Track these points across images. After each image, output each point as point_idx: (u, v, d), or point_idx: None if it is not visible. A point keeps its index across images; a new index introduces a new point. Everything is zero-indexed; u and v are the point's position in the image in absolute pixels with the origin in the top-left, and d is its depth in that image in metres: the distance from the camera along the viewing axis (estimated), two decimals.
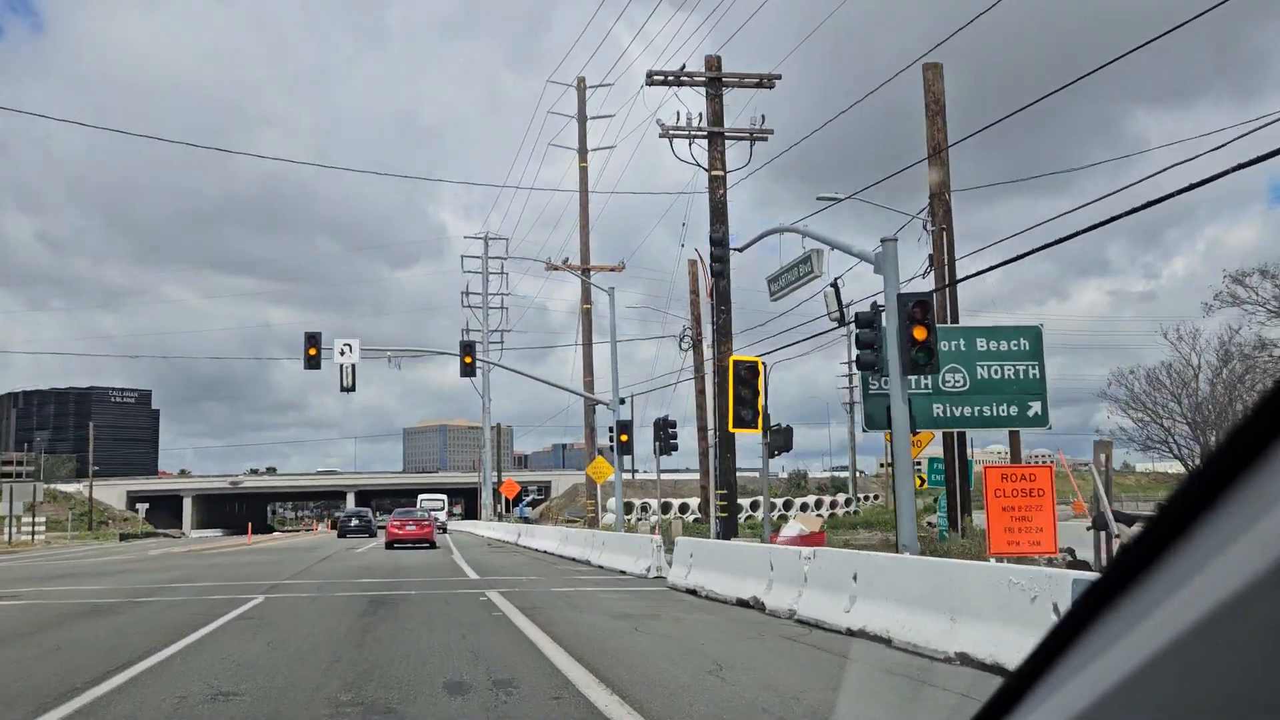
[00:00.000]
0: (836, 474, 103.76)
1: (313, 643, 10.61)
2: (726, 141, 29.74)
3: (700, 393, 46.60)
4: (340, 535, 59.14)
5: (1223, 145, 15.39)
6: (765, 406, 19.83)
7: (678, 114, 29.47)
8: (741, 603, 14.30)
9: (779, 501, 70.01)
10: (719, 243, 25.06)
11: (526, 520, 78.92)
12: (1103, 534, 18.37)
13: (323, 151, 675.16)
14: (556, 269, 47.78)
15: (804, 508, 74.23)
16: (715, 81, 29.75)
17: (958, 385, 18.81)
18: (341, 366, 36.64)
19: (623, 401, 38.87)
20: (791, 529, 19.71)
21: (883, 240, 18.18)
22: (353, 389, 36.93)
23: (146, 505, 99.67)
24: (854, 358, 17.91)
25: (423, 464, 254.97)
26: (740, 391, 19.60)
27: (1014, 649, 8.11)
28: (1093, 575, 8.94)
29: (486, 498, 73.24)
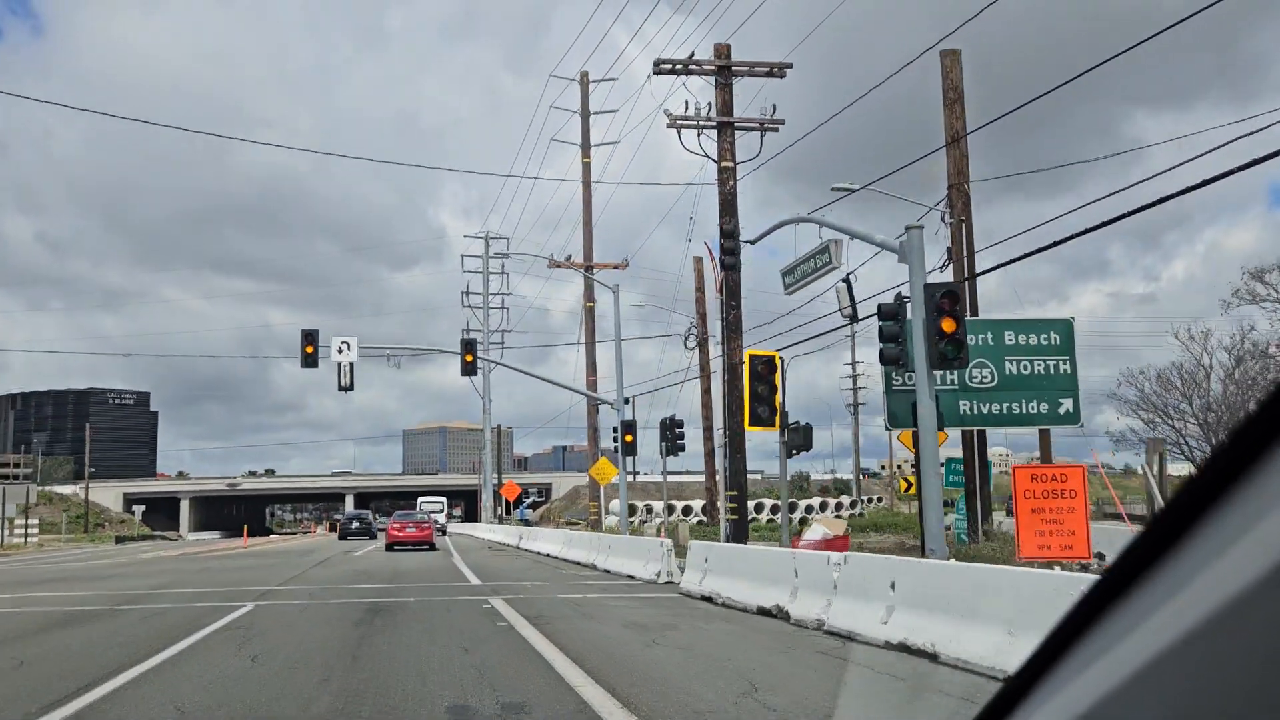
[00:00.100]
0: (839, 477, 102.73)
1: (302, 656, 9.68)
2: (736, 132, 28.87)
3: (706, 392, 45.72)
4: (341, 537, 59.41)
5: (1226, 143, 14.76)
6: (783, 403, 18.91)
7: (686, 103, 28.57)
8: (763, 611, 13.38)
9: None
10: (730, 234, 24.13)
11: (527, 523, 77.96)
12: None
13: (323, 153, 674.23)
14: (559, 266, 46.87)
15: (809, 510, 73.27)
16: (724, 70, 28.86)
17: (985, 381, 17.89)
18: (340, 365, 35.72)
19: (627, 401, 37.97)
20: (815, 532, 18.77)
21: (908, 228, 17.28)
22: (350, 388, 36.02)
23: (143, 507, 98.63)
24: (878, 352, 17.00)
25: (422, 466, 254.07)
26: (757, 388, 18.67)
27: None
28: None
29: (487, 500, 72.29)
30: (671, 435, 32.54)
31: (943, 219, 25.38)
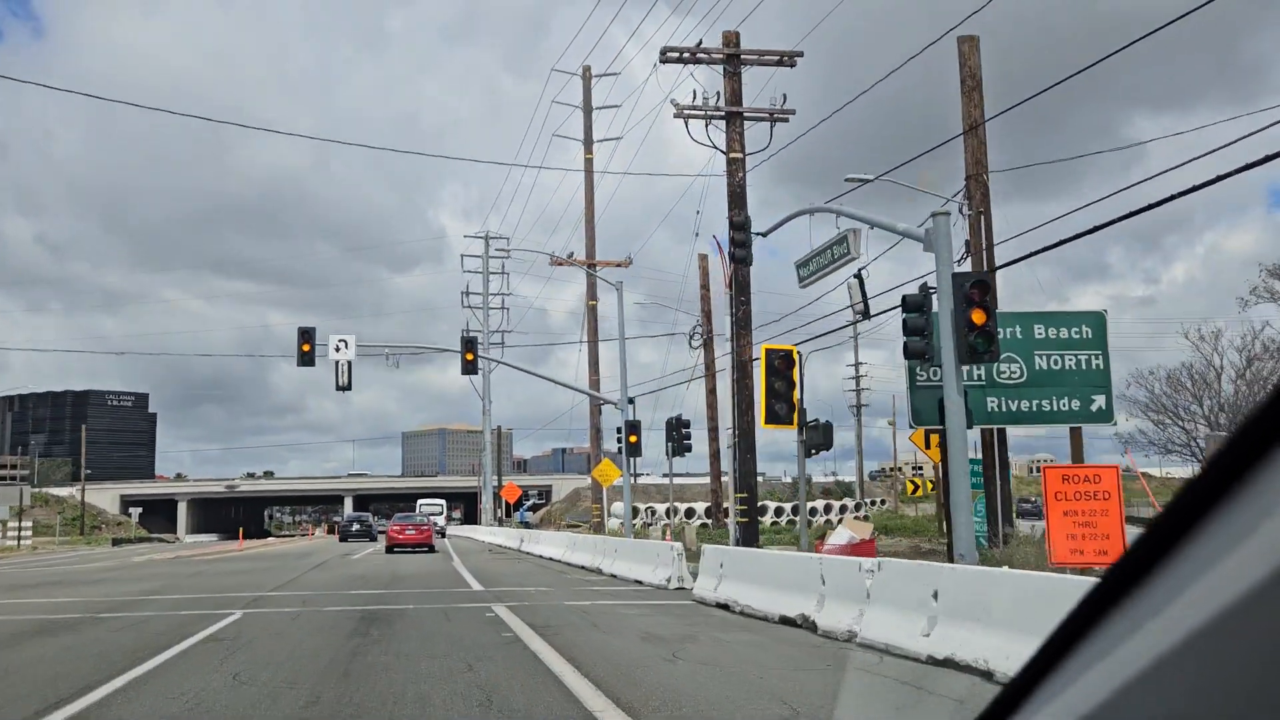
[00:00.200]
0: (840, 479, 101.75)
1: (290, 673, 8.80)
2: (745, 124, 28.00)
3: (711, 392, 44.82)
4: (342, 539, 59.78)
5: (1228, 144, 14.10)
6: (801, 400, 18.03)
7: (694, 93, 27.66)
8: (785, 620, 12.50)
9: (787, 507, 68.20)
10: (741, 226, 23.25)
11: (527, 525, 77.10)
12: None
13: (323, 154, 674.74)
14: (561, 264, 45.98)
15: (812, 512, 72.42)
16: (733, 58, 27.98)
17: (1014, 377, 17.01)
18: (337, 364, 34.83)
19: (631, 401, 37.06)
20: (840, 536, 17.86)
21: (933, 214, 16.41)
22: (348, 388, 35.11)
23: (140, 510, 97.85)
24: (902, 346, 16.12)
25: (422, 468, 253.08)
26: (774, 383, 17.79)
27: None
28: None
29: (487, 502, 71.40)
30: (678, 436, 31.65)
31: (960, 211, 24.50)
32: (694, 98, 27.68)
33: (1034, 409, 16.89)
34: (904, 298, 16.33)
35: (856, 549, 16.26)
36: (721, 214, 26.45)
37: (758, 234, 23.43)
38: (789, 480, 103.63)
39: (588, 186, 49.40)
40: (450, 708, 7.20)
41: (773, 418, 18.00)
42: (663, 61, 28.23)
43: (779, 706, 7.19)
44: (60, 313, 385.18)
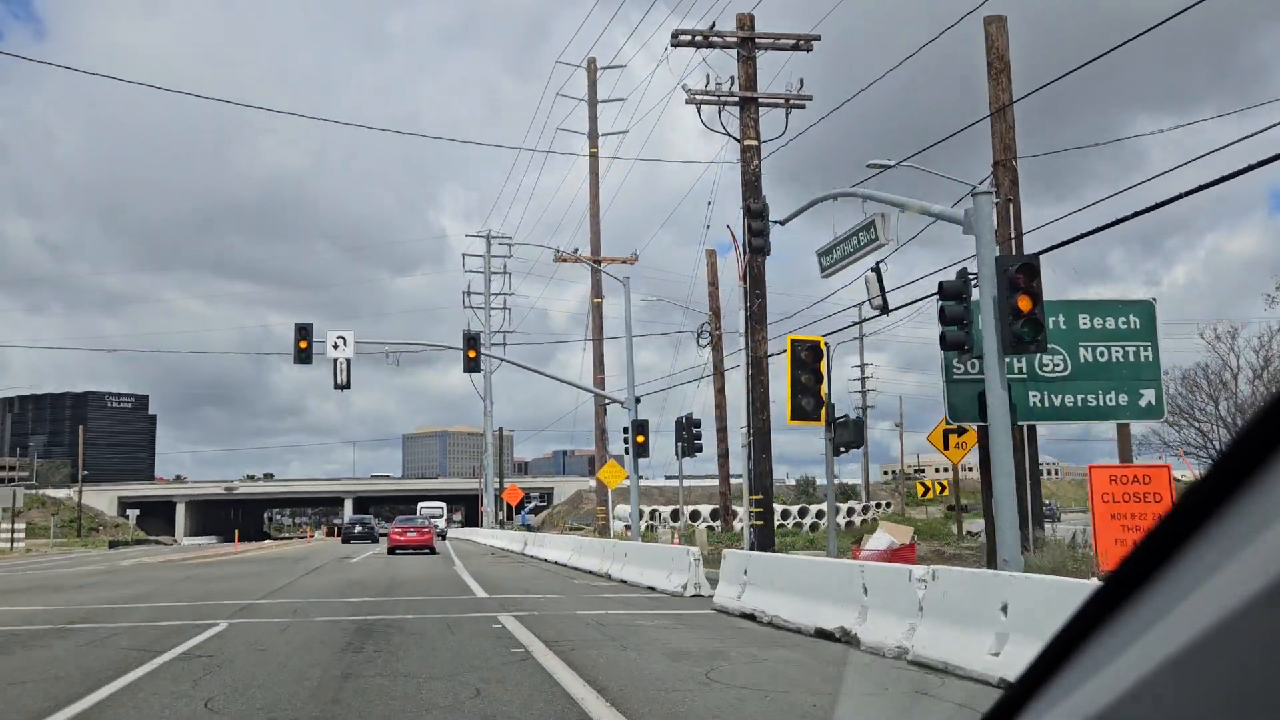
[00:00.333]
0: (843, 481, 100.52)
1: (271, 700, 7.65)
2: (760, 110, 26.87)
3: (719, 391, 43.64)
4: (344, 541, 60.41)
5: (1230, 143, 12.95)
6: (829, 394, 16.88)
7: (707, 77, 26.55)
8: (822, 634, 11.35)
9: (794, 510, 66.97)
10: (758, 214, 22.08)
11: (529, 528, 75.96)
12: None
13: (323, 157, 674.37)
14: (566, 260, 44.88)
15: (819, 515, 71.20)
16: (747, 42, 26.87)
17: (1057, 369, 15.85)
18: (336, 361, 33.68)
19: (638, 401, 35.91)
20: (879, 540, 16.69)
21: (973, 194, 15.31)
22: (347, 386, 33.95)
23: (137, 512, 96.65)
24: (939, 336, 14.98)
25: (422, 470, 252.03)
26: (800, 376, 16.63)
27: None
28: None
29: (488, 504, 70.26)
30: (688, 435, 30.49)
31: (964, 212, 23.34)
32: (707, 82, 26.59)
33: (1079, 404, 15.72)
34: (941, 284, 15.20)
35: (896, 555, 15.11)
36: (728, 212, 25.46)
37: (776, 222, 22.27)
38: (791, 483, 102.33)
39: (593, 181, 48.29)
40: None
41: (799, 413, 16.85)
42: (674, 45, 27.12)
43: None
44: (61, 314, 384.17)
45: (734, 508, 46.52)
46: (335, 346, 33.86)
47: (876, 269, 21.17)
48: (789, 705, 7.42)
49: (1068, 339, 15.89)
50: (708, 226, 43.07)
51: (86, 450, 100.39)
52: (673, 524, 56.75)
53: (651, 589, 19.13)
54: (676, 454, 30.97)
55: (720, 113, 26.69)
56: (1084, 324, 16.04)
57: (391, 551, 39.54)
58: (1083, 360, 15.91)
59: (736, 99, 26.52)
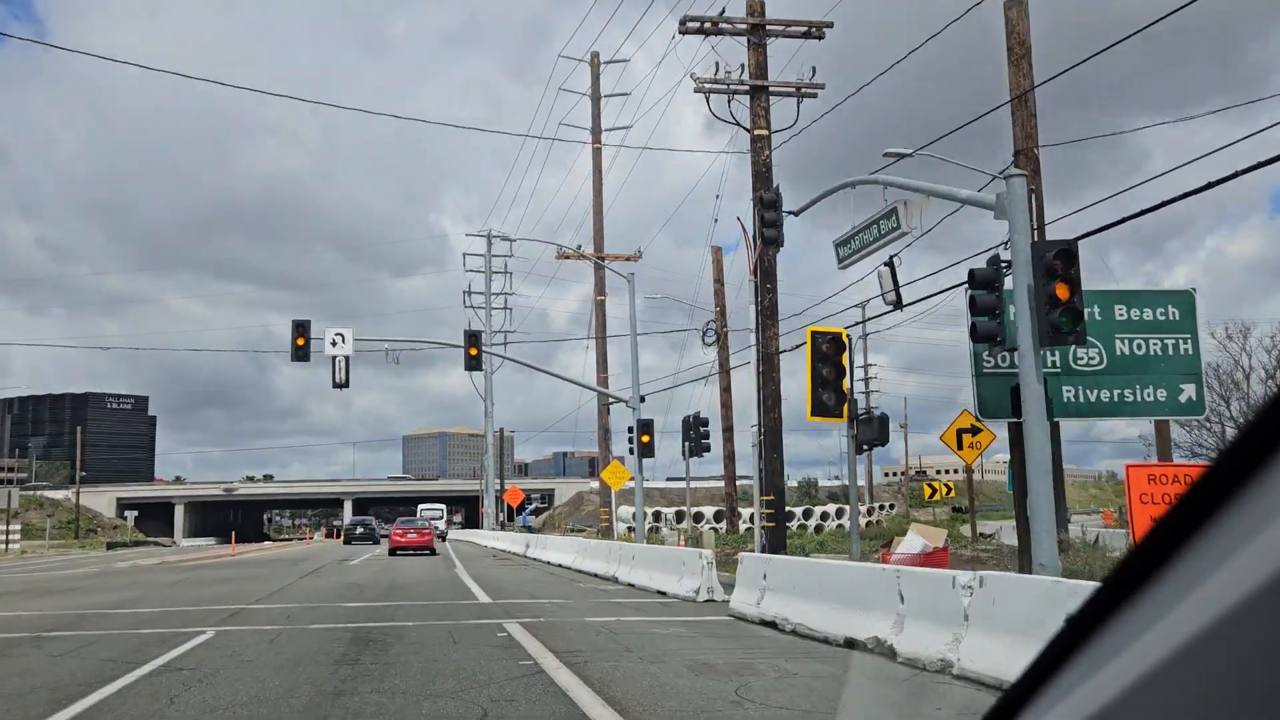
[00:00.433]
0: (845, 483, 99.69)
1: None
2: (771, 98, 26.07)
3: (725, 390, 42.82)
4: (346, 542, 61.15)
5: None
6: (851, 389, 16.06)
7: (716, 65, 25.73)
8: (851, 643, 10.54)
9: (798, 511, 66.21)
10: (771, 204, 21.25)
11: (530, 529, 75.20)
12: None
13: (324, 159, 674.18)
14: (569, 257, 44.13)
15: (824, 516, 70.42)
16: (758, 29, 26.06)
17: (1092, 362, 15.02)
18: (334, 359, 32.85)
19: (642, 399, 35.10)
20: (912, 543, 15.85)
21: (1006, 176, 14.49)
22: (345, 385, 33.11)
23: (136, 513, 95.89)
24: (969, 327, 14.17)
25: (422, 471, 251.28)
26: (820, 370, 15.81)
27: None
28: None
29: (489, 506, 69.44)
30: (696, 435, 29.66)
31: (995, 195, 22.52)
32: (716, 70, 25.78)
33: (1115, 399, 14.90)
34: (971, 272, 14.39)
35: (930, 559, 14.28)
36: (733, 209, 24.71)
37: (789, 213, 21.44)
38: (793, 485, 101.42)
39: (595, 176, 47.50)
40: None
41: (820, 409, 16.02)
42: (682, 32, 26.32)
43: None
44: (62, 316, 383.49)
45: (738, 508, 45.71)
46: (333, 344, 33.04)
47: (890, 263, 20.37)
48: None
49: (1103, 330, 15.07)
50: (715, 220, 42.24)
51: (86, 451, 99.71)
52: (677, 525, 55.96)
53: (662, 593, 18.33)
54: (683, 454, 30.14)
55: (730, 102, 25.89)
56: (1120, 315, 15.21)
57: (393, 552, 39.71)
58: (1119, 353, 15.09)
59: (746, 87, 25.72)
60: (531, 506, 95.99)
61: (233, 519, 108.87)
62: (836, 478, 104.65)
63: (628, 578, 21.44)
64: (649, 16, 75.86)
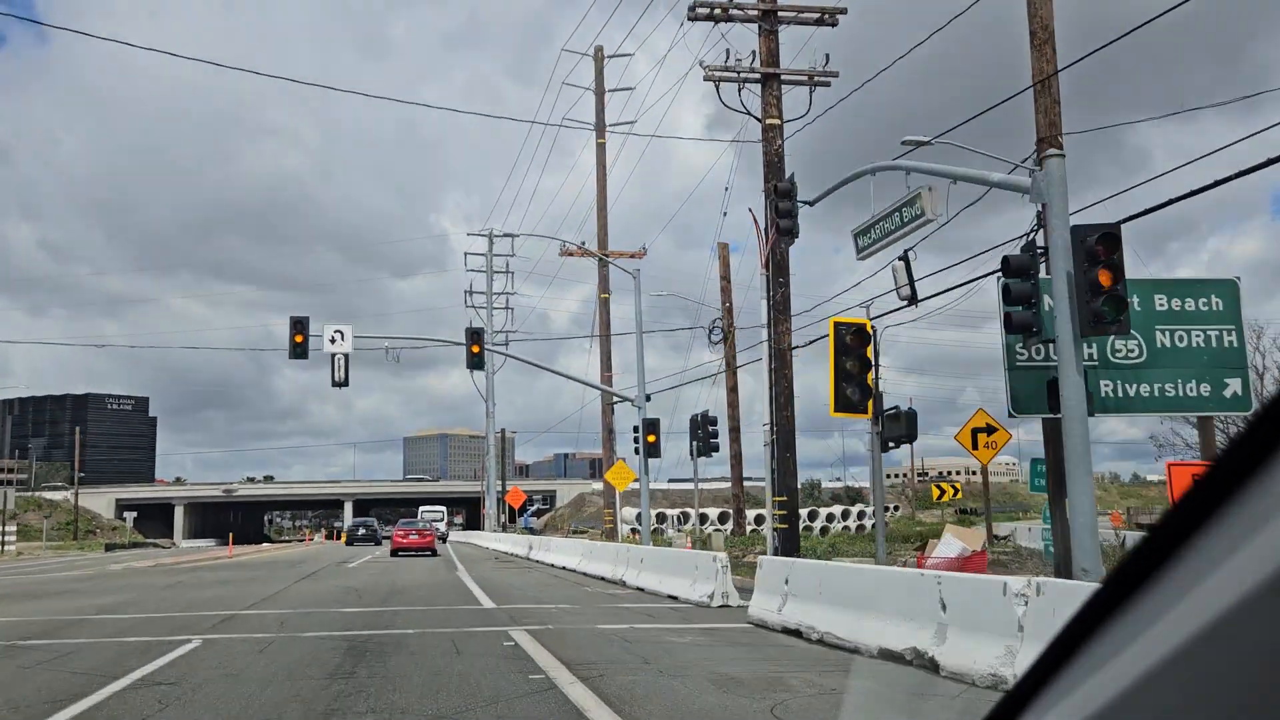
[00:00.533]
0: (848, 485, 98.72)
1: None
2: (783, 87, 25.30)
3: (732, 389, 42.06)
4: (348, 543, 61.58)
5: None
6: (877, 382, 15.28)
7: (727, 53, 24.97)
8: (888, 655, 9.76)
9: (803, 513, 65.40)
10: (786, 194, 20.48)
11: (532, 531, 74.43)
12: None
13: (324, 161, 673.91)
14: (573, 254, 43.38)
15: (829, 519, 69.58)
16: (769, 15, 25.29)
17: (1131, 355, 14.23)
18: (334, 357, 32.10)
19: (648, 398, 34.32)
20: (949, 546, 15.05)
21: (1042, 157, 13.72)
22: (345, 383, 32.35)
23: (134, 514, 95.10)
24: (1002, 318, 13.39)
25: (423, 472, 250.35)
26: (844, 363, 15.03)
27: None
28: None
29: (490, 507, 68.67)
30: (704, 434, 28.88)
31: (1031, 176, 21.73)
32: (726, 58, 25.03)
33: (1155, 394, 14.10)
34: (1005, 259, 13.61)
35: (968, 563, 13.48)
36: (740, 206, 23.92)
37: (804, 203, 20.67)
38: (799, 486, 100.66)
39: (599, 172, 46.70)
40: None
41: (843, 404, 15.23)
42: (691, 18, 25.55)
43: None
44: (62, 317, 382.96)
45: (745, 510, 44.90)
46: (332, 341, 32.30)
47: (905, 258, 19.59)
48: None
49: (1143, 321, 14.27)
50: (724, 214, 41.41)
51: (86, 452, 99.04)
52: (682, 527, 55.15)
53: (673, 598, 17.55)
54: (691, 453, 29.36)
55: (740, 91, 25.14)
56: (1160, 305, 14.42)
57: (394, 553, 40.58)
58: (1159, 345, 14.29)
59: (758, 75, 24.97)
60: (533, 508, 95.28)
61: (233, 520, 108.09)
62: (838, 479, 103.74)
63: (636, 581, 20.67)
64: (652, 14, 75.34)
